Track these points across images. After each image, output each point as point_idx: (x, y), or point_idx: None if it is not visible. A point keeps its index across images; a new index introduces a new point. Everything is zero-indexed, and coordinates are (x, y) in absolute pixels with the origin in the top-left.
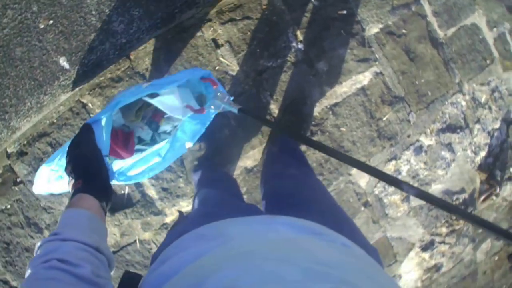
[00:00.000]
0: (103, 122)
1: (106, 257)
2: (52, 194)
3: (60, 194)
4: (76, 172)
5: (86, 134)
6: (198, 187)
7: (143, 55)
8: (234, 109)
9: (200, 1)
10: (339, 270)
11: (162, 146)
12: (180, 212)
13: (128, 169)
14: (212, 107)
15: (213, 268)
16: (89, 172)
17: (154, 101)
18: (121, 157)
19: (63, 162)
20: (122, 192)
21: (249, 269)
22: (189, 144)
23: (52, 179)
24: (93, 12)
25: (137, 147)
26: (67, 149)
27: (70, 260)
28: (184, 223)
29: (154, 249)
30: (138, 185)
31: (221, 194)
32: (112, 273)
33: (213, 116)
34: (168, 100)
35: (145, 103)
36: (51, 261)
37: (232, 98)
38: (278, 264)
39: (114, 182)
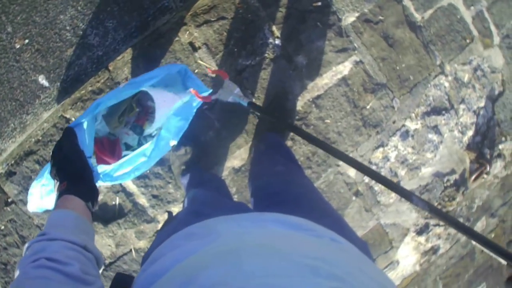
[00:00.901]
0: (85, 125)
1: (94, 255)
2: (46, 211)
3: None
4: (60, 175)
5: (68, 137)
6: (187, 190)
7: (121, 65)
8: (244, 102)
9: (173, 7)
10: (328, 264)
11: (147, 146)
12: (169, 212)
13: (114, 170)
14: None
15: (202, 266)
16: (72, 174)
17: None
18: (109, 164)
19: None
20: (114, 203)
21: (238, 265)
22: (173, 142)
23: (44, 194)
24: (68, 28)
25: (124, 153)
26: (51, 153)
27: (58, 258)
28: (173, 223)
29: None
30: (129, 195)
31: (209, 193)
32: (100, 271)
33: (194, 111)
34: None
35: (127, 107)
36: (39, 260)
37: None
38: (267, 260)
39: (100, 183)
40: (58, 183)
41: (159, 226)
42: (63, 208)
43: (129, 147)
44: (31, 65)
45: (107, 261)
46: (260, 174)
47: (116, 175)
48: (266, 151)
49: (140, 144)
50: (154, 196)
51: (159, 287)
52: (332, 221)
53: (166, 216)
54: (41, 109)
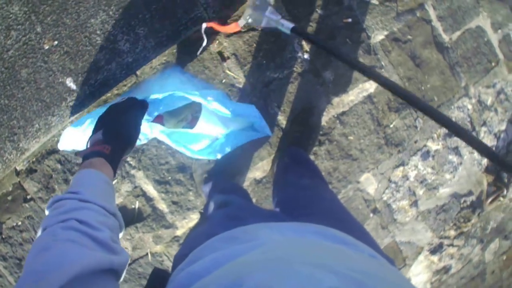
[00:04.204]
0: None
1: (120, 224)
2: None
3: None
4: (109, 136)
5: (142, 107)
6: (209, 198)
7: (149, 71)
8: (286, 30)
9: (206, 17)
10: (373, 280)
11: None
12: (202, 214)
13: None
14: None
15: (250, 269)
16: (122, 145)
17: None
18: None
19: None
20: (133, 206)
21: (286, 271)
22: (219, 155)
23: (79, 140)
24: (98, 32)
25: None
26: (114, 103)
27: (90, 222)
28: (208, 225)
29: (166, 261)
30: (149, 200)
31: (242, 199)
32: (121, 235)
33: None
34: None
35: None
36: (69, 221)
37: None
38: (314, 269)
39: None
40: (101, 138)
41: (177, 232)
42: (97, 169)
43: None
44: (59, 67)
45: None
46: (286, 185)
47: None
48: (291, 164)
49: None
50: (174, 203)
51: (202, 286)
52: (361, 238)
53: (184, 223)
54: (67, 111)
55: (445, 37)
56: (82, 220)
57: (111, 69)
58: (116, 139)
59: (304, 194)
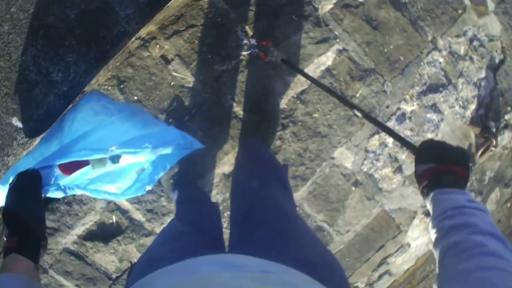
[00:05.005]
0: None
1: None
2: None
3: None
4: (12, 228)
5: (33, 183)
6: (176, 207)
7: (97, 88)
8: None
9: (130, 30)
10: None
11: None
12: (131, 263)
13: (89, 183)
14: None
15: None
16: (26, 232)
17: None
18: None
19: None
20: (111, 221)
21: None
22: (149, 188)
23: None
24: (31, 68)
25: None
26: (8, 191)
27: None
28: (132, 274)
29: None
30: (124, 212)
31: (170, 233)
32: None
33: (176, 160)
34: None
35: None
36: None
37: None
38: None
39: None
40: (7, 232)
41: None
42: (13, 271)
43: None
44: (3, 108)
45: (113, 276)
46: (236, 193)
47: (89, 187)
48: (244, 162)
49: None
50: (149, 211)
51: None
52: (297, 240)
53: (163, 227)
54: (20, 149)
55: None
56: None
57: (50, 102)
58: (19, 227)
59: (246, 202)
